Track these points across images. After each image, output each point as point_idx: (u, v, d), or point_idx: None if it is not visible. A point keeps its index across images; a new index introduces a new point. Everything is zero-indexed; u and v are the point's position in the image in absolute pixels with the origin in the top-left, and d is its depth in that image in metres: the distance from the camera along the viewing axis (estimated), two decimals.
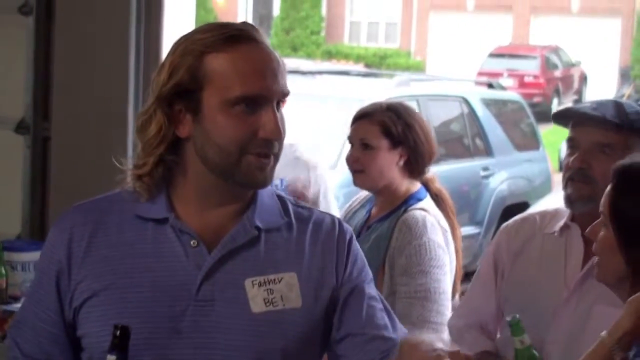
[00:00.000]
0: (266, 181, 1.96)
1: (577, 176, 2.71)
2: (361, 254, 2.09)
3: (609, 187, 2.29)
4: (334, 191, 5.32)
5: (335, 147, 5.78)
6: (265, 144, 1.92)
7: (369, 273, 2.08)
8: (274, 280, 1.96)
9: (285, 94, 1.94)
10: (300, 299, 1.97)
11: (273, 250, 1.99)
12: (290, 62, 12.90)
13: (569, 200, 2.74)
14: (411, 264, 3.15)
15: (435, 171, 3.51)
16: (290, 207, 2.06)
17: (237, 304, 1.94)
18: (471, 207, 8.27)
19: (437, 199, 3.36)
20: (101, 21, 3.72)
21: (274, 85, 1.91)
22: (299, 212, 2.07)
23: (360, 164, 3.31)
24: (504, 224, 3.00)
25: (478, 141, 8.73)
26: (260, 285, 1.95)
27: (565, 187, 2.75)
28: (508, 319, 2.61)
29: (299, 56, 24.24)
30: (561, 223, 2.81)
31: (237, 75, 1.89)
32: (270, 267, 1.97)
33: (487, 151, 8.16)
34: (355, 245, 2.07)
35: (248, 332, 1.93)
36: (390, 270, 3.18)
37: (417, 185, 3.32)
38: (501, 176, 8.69)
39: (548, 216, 2.88)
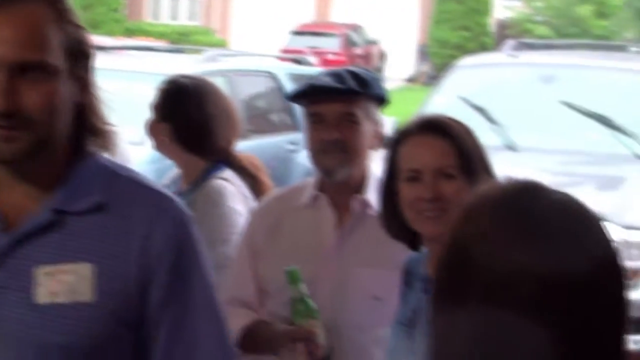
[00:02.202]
0: (6, 155, 1.80)
1: (331, 147, 2.79)
2: (193, 240, 1.89)
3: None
4: (143, 167, 5.26)
5: (142, 122, 5.73)
6: None
7: (196, 266, 1.89)
8: (66, 270, 1.81)
9: (27, 61, 1.77)
10: (91, 294, 1.81)
11: (74, 236, 1.83)
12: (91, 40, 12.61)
13: (329, 171, 2.83)
14: (212, 233, 3.18)
15: (242, 146, 3.56)
16: (118, 182, 1.89)
17: (24, 293, 1.81)
18: (279, 181, 8.24)
19: (241, 169, 3.39)
20: None
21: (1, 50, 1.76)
22: (127, 190, 1.89)
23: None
24: (256, 205, 3.09)
25: (285, 116, 8.77)
26: (48, 275, 1.81)
27: (318, 160, 2.83)
28: (286, 268, 2.70)
29: (99, 34, 23.80)
30: (309, 195, 2.89)
31: None
32: (65, 256, 1.81)
33: (295, 126, 8.18)
34: (184, 232, 1.88)
35: (30, 324, 1.80)
36: None
37: (215, 162, 3.36)
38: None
39: (296, 191, 2.97)
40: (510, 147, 6.80)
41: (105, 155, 1.93)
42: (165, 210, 1.88)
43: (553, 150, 6.74)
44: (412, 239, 2.52)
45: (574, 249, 1.28)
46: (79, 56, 1.86)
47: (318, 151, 2.83)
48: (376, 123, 2.89)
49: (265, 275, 2.91)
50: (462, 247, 1.32)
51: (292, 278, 2.73)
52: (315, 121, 2.84)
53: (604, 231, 1.33)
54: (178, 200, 1.94)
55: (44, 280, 1.81)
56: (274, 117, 8.95)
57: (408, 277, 2.53)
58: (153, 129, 3.39)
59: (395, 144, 2.50)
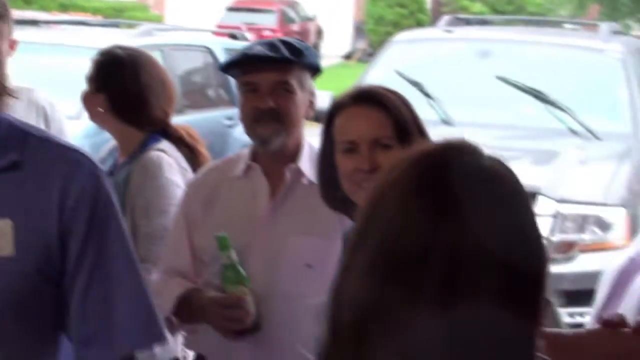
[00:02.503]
0: None
1: (266, 116, 2.80)
2: (108, 193, 1.94)
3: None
4: (80, 141, 5.21)
5: (78, 97, 5.68)
6: None
7: (112, 217, 1.94)
8: None
9: None
10: (12, 248, 1.84)
11: None
12: (24, 14, 12.47)
13: (263, 140, 2.84)
14: (150, 204, 3.18)
15: (178, 121, 3.55)
16: (32, 141, 1.92)
17: None
18: (216, 156, 8.24)
19: (178, 140, 3.37)
20: None
21: None
22: (41, 147, 1.92)
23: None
24: (191, 178, 3.09)
25: (222, 91, 8.73)
26: None
27: (253, 129, 2.84)
28: (217, 234, 2.72)
29: (33, 9, 23.48)
30: (243, 166, 2.90)
31: None
32: None
33: (231, 101, 8.15)
34: (98, 185, 1.93)
35: None
36: (132, 213, 3.18)
37: (152, 133, 3.35)
38: None
39: (231, 161, 2.98)
40: (446, 122, 6.84)
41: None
42: (79, 166, 1.91)
43: (488, 125, 6.78)
44: (352, 210, 2.53)
45: (491, 219, 1.22)
46: None
47: (252, 120, 2.83)
48: (310, 92, 2.89)
49: (200, 245, 2.91)
50: (374, 201, 1.30)
51: (222, 244, 2.74)
52: (249, 90, 2.83)
53: (529, 203, 1.27)
54: (90, 155, 1.97)
55: None
56: (211, 92, 8.91)
57: None
58: (88, 101, 3.35)
59: (331, 116, 2.50)
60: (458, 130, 6.72)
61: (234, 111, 8.65)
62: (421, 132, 2.47)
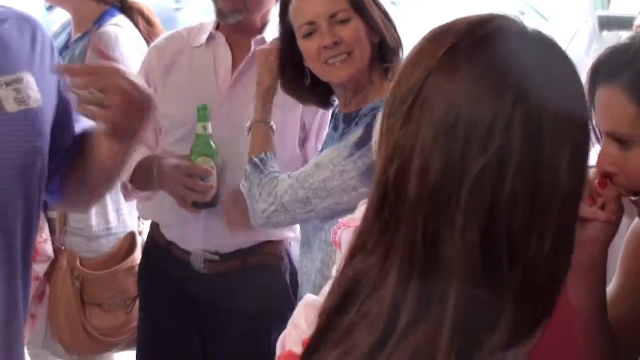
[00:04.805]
0: None
1: None
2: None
3: None
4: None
5: None
6: None
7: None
8: (17, 80, 1.92)
9: None
10: (40, 98, 1.94)
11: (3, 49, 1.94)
12: None
13: (221, 14, 2.83)
14: None
15: None
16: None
17: None
18: None
19: (136, 13, 3.35)
20: None
21: None
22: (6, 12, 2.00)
23: None
24: (153, 44, 3.08)
25: None
26: (7, 85, 1.90)
27: (215, 1, 2.83)
28: (199, 105, 2.73)
29: None
30: (206, 35, 2.90)
31: None
32: (6, 67, 1.92)
33: None
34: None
35: (7, 133, 1.88)
36: None
37: (110, 5, 3.31)
38: (193, 8, 8.66)
39: (194, 30, 2.96)
40: (393, 2, 6.85)
41: None
42: (37, 22, 2.02)
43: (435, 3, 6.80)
44: (321, 99, 2.59)
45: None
46: None
47: None
48: None
49: (160, 111, 2.90)
50: (422, 69, 1.15)
51: (202, 114, 2.73)
52: None
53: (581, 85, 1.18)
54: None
55: (5, 92, 1.89)
56: None
57: (336, 122, 2.59)
58: None
59: (285, 4, 2.52)
60: (404, 10, 6.75)
61: None
62: (377, 3, 2.49)
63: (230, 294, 2.87)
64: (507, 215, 1.09)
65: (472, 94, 1.10)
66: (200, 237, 2.88)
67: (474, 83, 1.11)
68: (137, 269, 3.20)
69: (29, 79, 1.92)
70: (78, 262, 3.24)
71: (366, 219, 1.19)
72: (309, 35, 2.46)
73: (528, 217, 1.10)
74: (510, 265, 1.10)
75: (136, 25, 3.33)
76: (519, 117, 1.09)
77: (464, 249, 1.09)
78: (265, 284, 2.88)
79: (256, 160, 2.55)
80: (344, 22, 2.44)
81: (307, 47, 2.47)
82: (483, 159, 1.09)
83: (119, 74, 1.80)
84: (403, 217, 1.13)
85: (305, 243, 2.56)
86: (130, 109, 1.81)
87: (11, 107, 1.89)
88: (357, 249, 1.19)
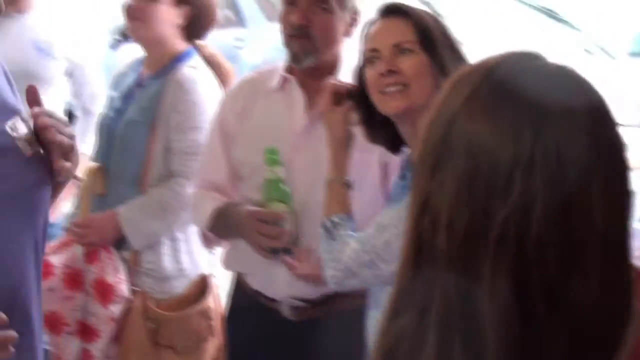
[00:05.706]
0: None
1: (299, 33, 2.78)
2: None
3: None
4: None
5: None
6: None
7: None
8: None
9: None
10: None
11: None
12: None
13: (294, 56, 2.82)
14: (184, 120, 3.18)
15: None
16: None
17: None
18: None
19: (211, 62, 3.35)
20: None
21: None
22: None
23: (140, 13, 3.25)
24: (227, 90, 3.06)
25: (229, 12, 8.69)
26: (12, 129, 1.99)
27: (287, 43, 2.83)
28: (266, 147, 2.70)
29: None
30: (279, 78, 2.88)
31: None
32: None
33: (240, 22, 8.12)
34: None
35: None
36: (166, 127, 3.19)
37: (186, 46, 3.31)
38: (255, 47, 8.72)
39: (266, 73, 2.96)
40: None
41: None
42: None
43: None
44: (391, 141, 2.52)
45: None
46: None
47: (287, 35, 2.82)
48: (353, 11, 2.84)
49: (238, 158, 2.89)
50: (444, 120, 1.15)
51: (271, 158, 2.71)
52: (287, 3, 2.82)
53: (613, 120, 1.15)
54: None
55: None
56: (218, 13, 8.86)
57: (403, 171, 2.54)
58: (166, 10, 3.27)
59: (364, 34, 2.51)
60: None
61: (242, 32, 8.65)
62: (448, 38, 2.45)
63: (319, 338, 2.85)
64: (537, 262, 1.07)
65: (489, 141, 1.09)
66: (285, 285, 2.84)
67: (491, 130, 1.09)
68: (209, 311, 3.19)
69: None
70: (151, 303, 3.24)
71: (400, 277, 1.17)
72: (371, 62, 2.44)
73: (562, 262, 1.07)
74: (550, 313, 1.07)
75: (209, 66, 3.33)
76: (539, 158, 1.07)
77: (494, 300, 1.07)
78: (354, 327, 2.84)
79: (328, 224, 2.50)
80: (407, 53, 2.41)
81: (368, 74, 2.45)
82: (505, 208, 1.07)
83: None
84: (437, 274, 1.11)
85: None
86: None
87: (27, 150, 1.97)
88: (394, 312, 1.17)
